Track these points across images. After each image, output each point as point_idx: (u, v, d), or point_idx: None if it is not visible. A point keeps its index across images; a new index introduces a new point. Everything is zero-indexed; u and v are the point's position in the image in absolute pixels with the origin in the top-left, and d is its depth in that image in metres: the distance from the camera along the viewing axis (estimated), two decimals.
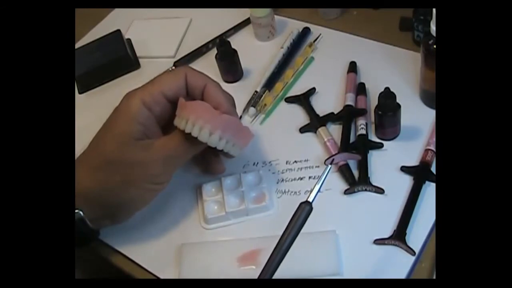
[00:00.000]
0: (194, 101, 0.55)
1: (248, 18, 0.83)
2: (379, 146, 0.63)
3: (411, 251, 0.54)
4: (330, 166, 0.52)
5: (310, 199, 0.49)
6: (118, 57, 0.82)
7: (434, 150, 0.61)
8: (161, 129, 0.58)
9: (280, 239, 0.48)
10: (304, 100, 0.71)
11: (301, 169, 0.64)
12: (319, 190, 0.50)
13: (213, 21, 0.87)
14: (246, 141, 0.58)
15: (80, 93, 0.82)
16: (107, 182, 0.54)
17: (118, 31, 0.86)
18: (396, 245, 0.55)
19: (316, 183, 0.50)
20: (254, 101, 0.72)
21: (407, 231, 0.55)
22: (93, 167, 0.54)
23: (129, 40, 0.86)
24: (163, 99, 0.57)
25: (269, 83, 0.74)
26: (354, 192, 0.60)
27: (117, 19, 0.93)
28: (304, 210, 0.49)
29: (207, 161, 0.63)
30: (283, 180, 0.63)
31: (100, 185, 0.54)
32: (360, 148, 0.63)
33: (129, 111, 0.55)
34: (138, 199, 0.57)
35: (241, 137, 0.57)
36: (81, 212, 0.54)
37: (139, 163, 0.54)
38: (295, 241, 0.56)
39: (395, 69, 0.72)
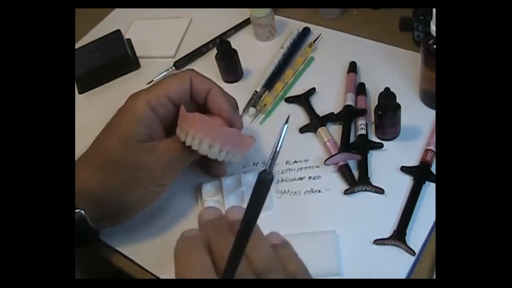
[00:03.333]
0: (193, 113, 0.55)
1: (248, 18, 0.83)
2: (379, 146, 0.63)
3: (411, 251, 0.54)
4: (286, 125, 0.41)
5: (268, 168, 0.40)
6: (118, 57, 0.82)
7: (434, 150, 0.61)
8: (166, 130, 0.58)
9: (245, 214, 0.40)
10: (304, 100, 0.71)
11: (301, 169, 0.64)
12: (276, 154, 0.40)
13: (213, 21, 0.87)
14: (247, 149, 0.58)
15: (80, 93, 0.82)
16: (109, 183, 0.54)
17: (118, 31, 0.86)
18: (396, 245, 0.55)
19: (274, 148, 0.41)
20: (254, 101, 0.72)
21: (407, 231, 0.55)
22: (95, 167, 0.55)
23: (129, 40, 0.86)
24: (168, 102, 0.57)
25: (269, 83, 0.74)
26: (354, 192, 0.60)
27: (117, 19, 0.93)
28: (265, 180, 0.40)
29: (208, 164, 0.63)
30: (283, 180, 0.63)
31: (102, 186, 0.54)
32: (360, 148, 0.63)
33: (134, 113, 0.55)
34: (139, 201, 0.57)
35: (241, 146, 0.57)
36: (82, 212, 0.54)
37: (141, 165, 0.54)
38: (295, 241, 0.56)
39: (395, 69, 0.72)
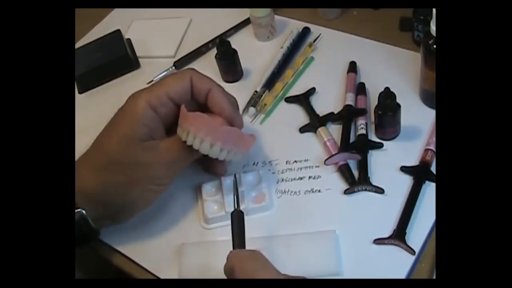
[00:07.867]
0: (194, 112, 0.55)
1: (248, 18, 0.83)
2: (379, 146, 0.63)
3: (411, 250, 0.54)
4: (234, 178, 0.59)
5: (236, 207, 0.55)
6: (118, 57, 0.82)
7: (434, 150, 0.61)
8: (166, 129, 0.58)
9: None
10: (304, 100, 0.71)
11: (301, 169, 0.64)
12: (238, 196, 0.56)
13: (213, 21, 0.87)
14: (248, 148, 0.58)
15: (80, 93, 0.82)
16: (110, 182, 0.54)
17: (118, 31, 0.86)
18: (396, 244, 0.55)
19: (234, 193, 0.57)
20: (254, 101, 0.72)
21: (407, 231, 0.55)
22: (96, 167, 0.55)
23: (129, 40, 0.86)
24: (168, 101, 0.57)
25: (269, 83, 0.74)
26: (354, 192, 0.60)
27: (117, 19, 0.93)
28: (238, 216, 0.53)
29: (209, 163, 0.63)
30: (283, 180, 0.63)
31: (103, 185, 0.54)
32: (360, 148, 0.63)
33: (135, 112, 0.55)
34: (140, 200, 0.57)
35: (242, 145, 0.57)
36: (83, 211, 0.54)
37: (142, 164, 0.54)
38: (295, 241, 0.56)
39: (395, 69, 0.72)
